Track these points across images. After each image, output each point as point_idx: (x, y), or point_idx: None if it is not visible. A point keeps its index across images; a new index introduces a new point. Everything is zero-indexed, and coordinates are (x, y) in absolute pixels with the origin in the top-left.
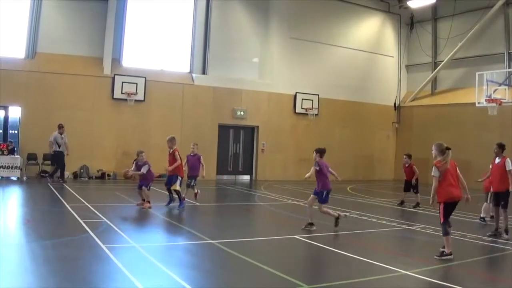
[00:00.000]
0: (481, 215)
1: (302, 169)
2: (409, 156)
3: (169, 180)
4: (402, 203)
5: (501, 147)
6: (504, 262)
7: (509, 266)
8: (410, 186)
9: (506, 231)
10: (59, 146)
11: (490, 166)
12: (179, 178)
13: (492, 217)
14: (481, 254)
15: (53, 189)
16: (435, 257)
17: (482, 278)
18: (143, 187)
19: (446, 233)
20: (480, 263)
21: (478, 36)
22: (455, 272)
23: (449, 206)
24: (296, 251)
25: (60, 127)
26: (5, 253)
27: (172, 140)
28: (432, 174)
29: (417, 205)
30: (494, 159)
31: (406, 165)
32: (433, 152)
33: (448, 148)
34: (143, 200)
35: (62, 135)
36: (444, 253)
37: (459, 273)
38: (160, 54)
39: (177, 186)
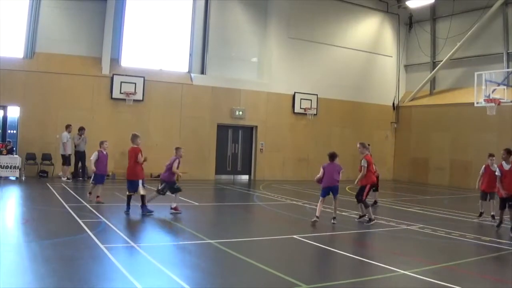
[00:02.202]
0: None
1: (300, 169)
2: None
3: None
4: (375, 203)
5: (509, 152)
6: (504, 262)
7: (509, 266)
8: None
9: None
10: (76, 146)
11: (496, 171)
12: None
13: (493, 216)
14: (481, 254)
15: (51, 189)
16: (365, 224)
17: (482, 278)
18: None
19: (368, 206)
20: (480, 263)
21: (477, 36)
22: (454, 272)
23: (370, 188)
24: (295, 251)
25: (81, 128)
26: (4, 253)
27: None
28: (363, 164)
29: (375, 203)
30: (501, 164)
31: None
32: (360, 149)
33: (368, 145)
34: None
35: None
36: (370, 219)
37: (459, 273)
38: (159, 54)
39: (141, 191)
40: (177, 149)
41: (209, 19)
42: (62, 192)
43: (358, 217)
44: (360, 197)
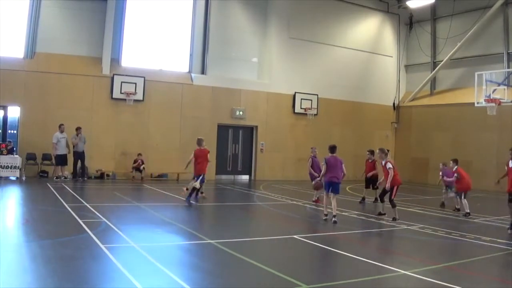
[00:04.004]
0: None
1: (301, 169)
2: (372, 152)
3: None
4: (363, 199)
5: None
6: (504, 262)
7: (509, 266)
8: (370, 182)
9: None
10: (74, 146)
11: (506, 168)
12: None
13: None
14: (481, 254)
15: (52, 189)
16: (391, 221)
17: (482, 278)
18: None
19: (395, 206)
20: (480, 263)
21: (477, 36)
22: (455, 272)
23: (397, 189)
24: (295, 251)
25: (77, 128)
26: (4, 253)
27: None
28: (390, 167)
29: (376, 200)
30: (509, 161)
31: (370, 161)
32: (379, 154)
33: (388, 150)
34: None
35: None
36: (394, 218)
37: (459, 273)
38: (159, 54)
39: (197, 184)
40: (312, 148)
41: (209, 19)
42: (62, 192)
43: (377, 213)
44: (390, 198)
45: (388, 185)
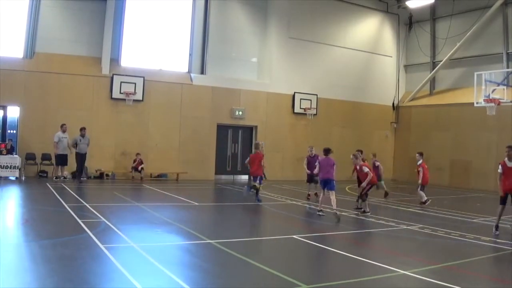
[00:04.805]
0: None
1: (300, 169)
2: (361, 152)
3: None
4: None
5: None
6: (504, 262)
7: (509, 266)
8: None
9: None
10: (76, 146)
11: (499, 170)
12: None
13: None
14: (480, 254)
15: (51, 189)
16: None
17: (482, 278)
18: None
19: (365, 200)
20: (480, 263)
21: (477, 36)
22: (454, 272)
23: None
24: (295, 251)
25: (82, 128)
26: (4, 253)
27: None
28: (367, 170)
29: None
30: (504, 162)
31: None
32: (353, 160)
33: (362, 152)
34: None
35: (83, 137)
36: (364, 211)
37: (458, 273)
38: (158, 54)
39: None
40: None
41: (209, 19)
42: (62, 192)
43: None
44: (361, 193)
45: (365, 185)
